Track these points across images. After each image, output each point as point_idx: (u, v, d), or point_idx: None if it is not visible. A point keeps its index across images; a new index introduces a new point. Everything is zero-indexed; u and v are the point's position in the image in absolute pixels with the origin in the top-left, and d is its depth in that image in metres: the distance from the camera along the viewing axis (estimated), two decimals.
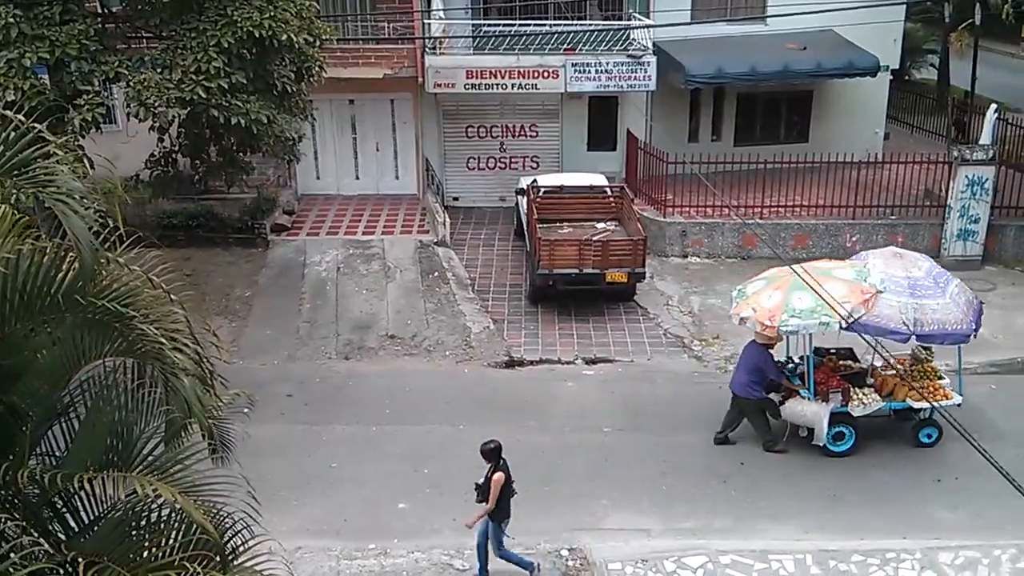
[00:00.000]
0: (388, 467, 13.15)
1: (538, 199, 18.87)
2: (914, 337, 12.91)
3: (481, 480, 10.87)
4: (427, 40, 20.47)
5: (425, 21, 20.58)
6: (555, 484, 12.84)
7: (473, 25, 21.28)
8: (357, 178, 23.09)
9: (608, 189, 19.70)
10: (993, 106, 20.86)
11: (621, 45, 20.78)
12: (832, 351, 14.29)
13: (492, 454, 10.81)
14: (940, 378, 13.89)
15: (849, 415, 13.39)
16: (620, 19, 21.82)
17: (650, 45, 20.55)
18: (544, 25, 20.88)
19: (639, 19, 21.09)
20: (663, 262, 19.83)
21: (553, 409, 14.76)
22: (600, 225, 18.96)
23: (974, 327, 13.14)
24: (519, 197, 20.45)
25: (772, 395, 13.66)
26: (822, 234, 20.18)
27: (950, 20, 28.01)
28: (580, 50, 20.68)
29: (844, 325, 12.49)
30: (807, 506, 12.53)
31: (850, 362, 14.28)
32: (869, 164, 20.51)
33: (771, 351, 13.53)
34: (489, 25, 21.08)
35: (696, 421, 14.35)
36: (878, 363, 14.05)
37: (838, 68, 21.15)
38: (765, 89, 22.31)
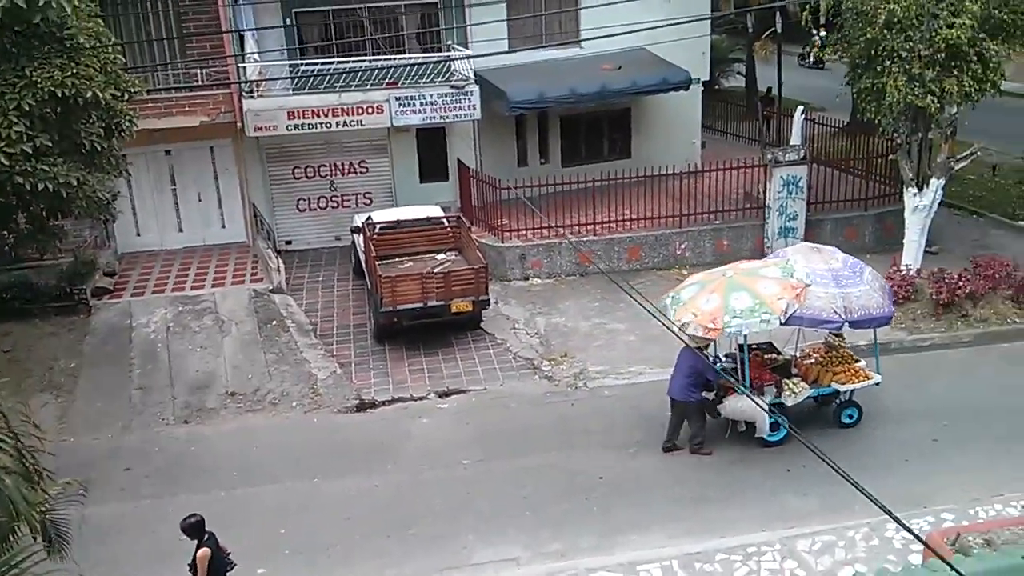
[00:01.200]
0: (242, 532, 12.54)
1: (375, 236, 18.64)
2: (847, 324, 13.57)
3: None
4: (243, 84, 19.94)
5: (240, 65, 20.05)
6: (418, 526, 12.59)
7: (291, 65, 20.89)
8: (181, 231, 22.23)
9: (445, 220, 19.68)
10: (800, 107, 22.07)
11: (443, 76, 20.84)
12: (754, 346, 14.69)
13: (192, 530, 10.24)
14: (856, 361, 14.58)
15: (783, 405, 13.94)
16: (440, 51, 21.92)
17: (471, 75, 20.70)
18: (364, 61, 20.72)
19: (459, 50, 21.24)
20: (506, 286, 19.94)
21: (409, 448, 14.51)
22: (440, 256, 18.90)
23: (892, 309, 14.05)
24: (355, 235, 20.15)
25: (706, 395, 13.93)
26: (653, 245, 20.79)
27: (753, 30, 29.52)
28: (403, 84, 20.62)
29: (782, 321, 13.04)
30: (668, 511, 12.74)
31: (774, 355, 14.84)
32: (690, 174, 21.30)
33: (705, 352, 13.91)
34: (307, 64, 20.74)
35: (553, 441, 14.43)
36: (799, 354, 14.91)
37: (653, 85, 21.89)
38: (586, 110, 22.87)
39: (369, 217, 19.54)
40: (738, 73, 33.80)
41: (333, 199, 22.63)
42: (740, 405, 13.86)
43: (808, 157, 20.78)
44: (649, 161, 21.55)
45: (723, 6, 26.17)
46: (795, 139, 21.16)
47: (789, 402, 13.98)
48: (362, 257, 19.36)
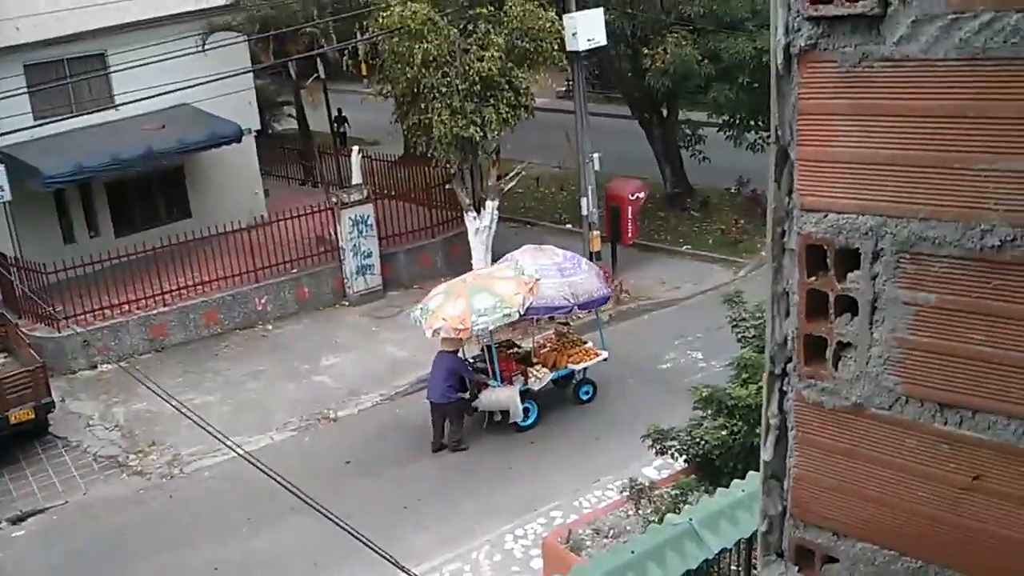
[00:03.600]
0: None
1: None
2: (576, 307, 15.48)
3: None
4: None
5: None
6: None
7: None
8: None
9: None
10: (356, 148, 22.35)
11: None
12: (498, 344, 15.94)
13: None
14: (584, 343, 16.36)
15: (531, 391, 15.43)
16: None
17: None
18: None
19: None
20: (72, 380, 17.91)
21: None
22: None
23: (609, 291, 16.67)
24: None
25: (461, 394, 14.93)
26: (231, 304, 19.89)
27: (297, 76, 29.52)
28: None
29: (522, 313, 14.70)
30: None
31: (516, 349, 16.45)
32: (258, 226, 20.66)
33: (458, 354, 14.98)
34: None
35: (157, 544, 13.11)
36: (536, 345, 16.62)
37: (202, 141, 20.90)
38: (134, 174, 21.30)
39: None
40: (289, 115, 33.61)
41: None
42: (494, 397, 15.19)
43: (371, 195, 21.09)
44: (212, 218, 20.56)
45: (263, 57, 25.82)
46: (356, 179, 21.38)
47: (535, 387, 15.50)
48: None
